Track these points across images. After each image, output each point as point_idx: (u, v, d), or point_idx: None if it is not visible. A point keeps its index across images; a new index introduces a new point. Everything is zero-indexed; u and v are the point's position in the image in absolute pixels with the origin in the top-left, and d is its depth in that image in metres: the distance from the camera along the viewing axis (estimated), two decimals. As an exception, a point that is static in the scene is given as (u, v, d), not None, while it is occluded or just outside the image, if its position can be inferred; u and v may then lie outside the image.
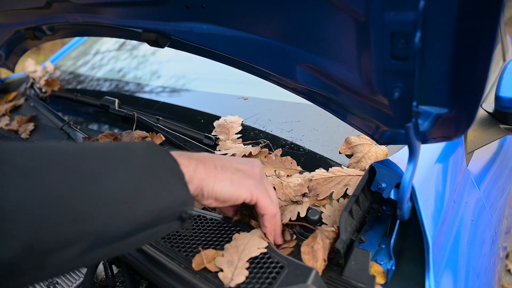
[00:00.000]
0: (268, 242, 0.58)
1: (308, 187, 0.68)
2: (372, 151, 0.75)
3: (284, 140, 0.83)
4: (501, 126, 0.90)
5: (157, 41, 0.84)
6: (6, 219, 0.30)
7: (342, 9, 0.51)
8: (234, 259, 0.54)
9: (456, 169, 0.76)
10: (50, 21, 1.12)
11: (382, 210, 0.68)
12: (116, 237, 0.38)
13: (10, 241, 0.30)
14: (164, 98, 1.10)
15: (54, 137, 1.09)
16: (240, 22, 0.66)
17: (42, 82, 1.47)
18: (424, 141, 0.57)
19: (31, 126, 1.19)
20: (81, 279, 0.67)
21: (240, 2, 0.63)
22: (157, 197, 0.41)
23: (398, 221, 0.63)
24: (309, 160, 0.79)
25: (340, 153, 0.79)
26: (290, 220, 0.63)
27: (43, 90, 1.38)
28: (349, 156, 0.79)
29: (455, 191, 0.71)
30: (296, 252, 0.62)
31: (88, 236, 0.35)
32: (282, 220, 0.63)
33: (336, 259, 0.59)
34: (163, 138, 0.91)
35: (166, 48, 0.86)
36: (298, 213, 0.64)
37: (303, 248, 0.57)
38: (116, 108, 1.03)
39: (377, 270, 0.57)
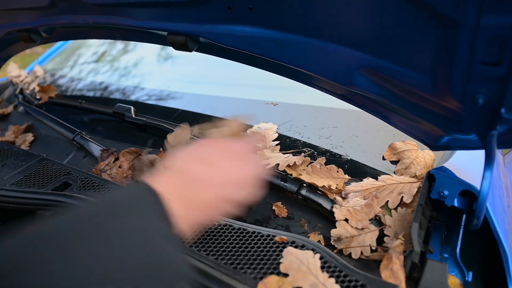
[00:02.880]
0: (338, 259, 0.55)
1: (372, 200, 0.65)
2: (420, 156, 0.73)
3: (324, 147, 0.80)
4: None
5: (186, 45, 0.79)
6: None
7: (424, 11, 0.49)
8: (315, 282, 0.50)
9: (500, 173, 0.75)
10: (51, 23, 1.03)
11: (440, 219, 0.67)
12: None
13: None
14: (182, 105, 1.04)
15: (61, 148, 1.00)
16: (294, 24, 0.62)
17: (34, 87, 1.35)
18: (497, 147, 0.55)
19: (30, 137, 1.10)
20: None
21: (298, 2, 0.59)
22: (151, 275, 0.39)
23: (462, 230, 0.62)
24: (353, 168, 0.76)
25: (384, 159, 0.77)
26: (361, 254, 0.61)
27: (37, 96, 1.27)
28: (393, 163, 0.77)
29: (507, 196, 0.71)
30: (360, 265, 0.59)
31: None
32: (351, 255, 0.61)
33: (409, 271, 0.56)
34: None
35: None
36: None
37: (384, 274, 0.54)
38: (133, 116, 0.96)
39: (454, 283, 0.55)
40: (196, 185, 0.48)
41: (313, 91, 0.75)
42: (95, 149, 0.89)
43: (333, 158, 0.78)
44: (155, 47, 1.46)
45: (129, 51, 1.60)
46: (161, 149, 0.86)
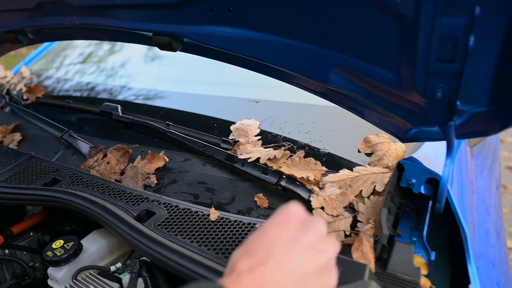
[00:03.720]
0: None
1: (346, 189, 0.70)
2: (392, 148, 0.78)
3: (303, 141, 0.85)
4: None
5: (171, 45, 0.82)
6: None
7: (388, 14, 0.53)
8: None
9: (467, 163, 0.81)
10: (38, 24, 1.05)
11: (409, 206, 0.72)
12: None
13: None
14: (168, 103, 1.07)
15: (49, 147, 1.02)
16: (272, 25, 0.66)
17: (21, 88, 1.37)
18: (456, 137, 0.61)
19: (17, 136, 1.11)
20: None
21: (272, 5, 0.63)
22: None
23: (428, 215, 0.67)
24: (330, 160, 0.81)
25: (359, 151, 0.82)
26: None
27: (24, 97, 1.29)
28: (368, 155, 0.82)
29: (472, 182, 0.76)
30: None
31: None
32: None
33: (379, 253, 0.61)
34: (167, 159, 0.87)
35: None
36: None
37: (355, 255, 0.59)
38: (120, 114, 0.99)
39: (420, 262, 0.60)
40: (268, 270, 0.39)
41: (293, 89, 0.79)
42: (84, 146, 0.92)
43: (311, 152, 0.82)
44: (140, 48, 1.49)
45: (115, 52, 1.63)
46: (149, 151, 0.89)
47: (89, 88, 1.34)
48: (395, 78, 0.59)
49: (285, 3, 0.61)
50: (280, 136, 0.87)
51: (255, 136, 0.85)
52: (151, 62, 1.44)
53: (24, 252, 0.93)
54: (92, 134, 1.02)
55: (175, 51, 0.84)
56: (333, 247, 0.44)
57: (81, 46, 1.72)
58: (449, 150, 0.59)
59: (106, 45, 1.70)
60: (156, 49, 1.22)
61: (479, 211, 0.83)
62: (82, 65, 1.52)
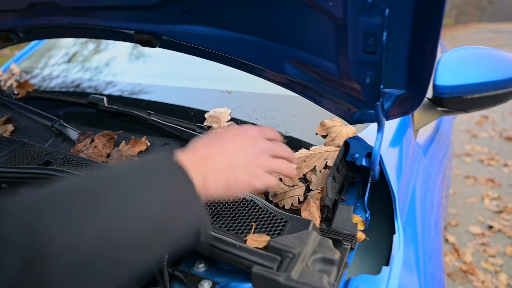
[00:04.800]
0: (269, 205, 0.71)
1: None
2: (343, 131, 0.91)
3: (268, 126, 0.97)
4: (438, 108, 1.12)
5: (150, 42, 0.93)
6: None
7: (325, 15, 0.66)
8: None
9: (408, 143, 0.94)
10: (29, 23, 1.14)
11: (355, 177, 0.84)
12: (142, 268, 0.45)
13: None
14: (149, 96, 1.18)
15: (40, 135, 1.12)
16: (235, 24, 0.78)
17: (12, 83, 1.45)
18: (387, 118, 0.73)
19: (10, 127, 1.20)
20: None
21: (234, 7, 0.75)
22: (176, 223, 0.48)
23: (369, 183, 0.80)
24: (292, 142, 0.93)
25: (316, 134, 0.94)
26: (292, 205, 0.77)
27: (15, 92, 1.37)
28: (324, 137, 0.94)
29: (409, 158, 0.89)
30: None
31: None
32: (285, 206, 0.76)
33: (325, 214, 0.73)
34: (148, 144, 0.98)
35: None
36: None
37: (304, 214, 0.71)
38: (106, 105, 1.09)
39: (358, 220, 0.73)
40: (208, 158, 0.55)
41: (261, 81, 0.91)
42: (73, 134, 1.02)
43: (276, 135, 0.94)
44: (123, 48, 1.59)
45: (100, 51, 1.72)
46: (132, 136, 0.99)
47: (75, 85, 1.43)
48: (336, 68, 0.72)
49: (243, 6, 0.72)
50: (249, 122, 0.98)
51: (226, 122, 0.97)
52: (134, 59, 1.54)
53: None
54: (80, 123, 1.12)
55: (154, 47, 0.95)
56: (264, 143, 0.63)
57: (66, 46, 1.81)
58: (379, 126, 0.71)
59: (91, 45, 1.80)
60: (138, 48, 1.34)
61: (426, 182, 0.97)
62: (68, 64, 1.61)
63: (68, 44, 1.83)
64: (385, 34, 0.59)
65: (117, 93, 1.27)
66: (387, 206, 0.82)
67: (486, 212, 2.89)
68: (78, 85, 1.40)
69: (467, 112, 1.13)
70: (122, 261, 0.42)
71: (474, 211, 2.91)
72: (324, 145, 0.91)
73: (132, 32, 0.96)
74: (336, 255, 0.58)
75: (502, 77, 1.06)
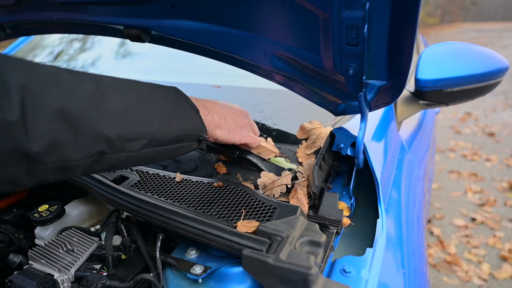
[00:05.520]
0: (258, 193, 0.74)
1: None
2: (323, 132, 0.93)
3: (257, 119, 0.99)
4: (420, 102, 1.16)
5: (140, 37, 0.95)
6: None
7: (309, 10, 0.68)
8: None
9: (391, 134, 0.98)
10: (16, 19, 1.14)
11: (341, 167, 0.87)
12: (161, 142, 0.59)
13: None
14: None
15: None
16: (222, 18, 0.80)
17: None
18: (370, 108, 0.77)
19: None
20: (95, 244, 0.76)
21: (222, 2, 0.77)
22: (186, 122, 0.64)
23: (354, 172, 0.83)
24: (279, 134, 0.96)
25: (297, 138, 0.96)
26: (281, 193, 0.79)
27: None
28: (305, 140, 0.96)
29: (392, 148, 0.93)
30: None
31: (147, 136, 0.56)
32: (274, 195, 0.79)
33: (312, 201, 0.76)
34: None
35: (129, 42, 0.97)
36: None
37: (292, 201, 0.74)
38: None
39: (343, 206, 0.76)
40: (215, 108, 0.75)
41: (249, 76, 0.93)
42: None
43: (264, 127, 0.97)
44: (109, 45, 1.59)
45: (86, 50, 1.72)
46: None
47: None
48: (321, 61, 0.75)
49: (231, 0, 0.75)
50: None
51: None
52: (120, 56, 1.55)
53: (9, 226, 1.02)
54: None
55: (144, 42, 0.96)
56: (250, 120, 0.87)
57: (51, 45, 1.80)
58: (362, 116, 0.75)
59: (76, 43, 1.79)
60: (124, 45, 1.33)
61: (410, 171, 1.00)
62: (54, 63, 1.61)
63: (53, 43, 1.82)
64: (366, 27, 0.62)
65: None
66: (371, 195, 0.86)
67: (469, 205, 2.97)
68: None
69: (447, 105, 1.18)
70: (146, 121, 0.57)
71: (458, 204, 3.00)
72: (306, 148, 0.93)
73: (121, 27, 0.97)
74: (322, 238, 0.60)
75: (480, 71, 1.11)
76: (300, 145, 0.90)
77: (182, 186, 0.79)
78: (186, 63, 1.29)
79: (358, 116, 0.95)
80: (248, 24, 0.78)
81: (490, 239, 2.52)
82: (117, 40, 1.65)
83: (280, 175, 0.82)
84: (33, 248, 0.73)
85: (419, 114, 1.35)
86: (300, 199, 0.73)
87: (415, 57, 2.03)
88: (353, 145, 0.82)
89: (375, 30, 0.63)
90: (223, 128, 0.75)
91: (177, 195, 0.76)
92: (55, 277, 0.68)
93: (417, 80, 1.13)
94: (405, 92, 1.17)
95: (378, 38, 0.64)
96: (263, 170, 0.84)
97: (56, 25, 1.13)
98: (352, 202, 0.76)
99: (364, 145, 0.79)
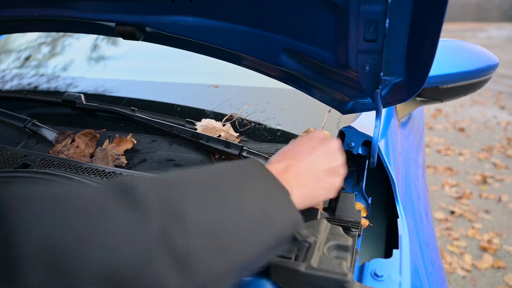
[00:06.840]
0: None
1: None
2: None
3: (259, 119, 0.96)
4: (417, 99, 1.17)
5: (134, 34, 0.89)
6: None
7: (324, 4, 0.66)
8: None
9: (395, 131, 0.97)
10: (-9, 16, 1.05)
11: (350, 166, 0.86)
12: (251, 262, 0.42)
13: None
14: (130, 92, 1.12)
15: (9, 139, 1.03)
16: (228, 14, 0.76)
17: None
18: (384, 105, 0.75)
19: (-29, 130, 1.09)
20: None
21: (228, -3, 0.73)
22: (278, 220, 0.45)
23: (366, 171, 0.81)
24: (283, 134, 0.93)
25: None
26: None
27: (-27, 92, 1.25)
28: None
29: (397, 145, 0.92)
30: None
31: (235, 268, 0.38)
32: None
33: (329, 204, 0.73)
34: (135, 142, 0.93)
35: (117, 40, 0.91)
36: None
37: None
38: (84, 102, 1.02)
39: (360, 207, 0.74)
40: (294, 164, 0.55)
41: (247, 74, 0.89)
42: (50, 134, 0.95)
43: (267, 127, 0.94)
44: (99, 42, 1.50)
45: (65, 46, 1.62)
46: (116, 134, 0.94)
47: (42, 82, 1.33)
48: (333, 57, 0.72)
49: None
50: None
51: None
52: (110, 55, 1.46)
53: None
54: (55, 123, 1.04)
55: (138, 40, 0.90)
56: (342, 157, 0.62)
57: (17, 50, 1.65)
58: (377, 114, 0.73)
59: (44, 48, 1.65)
60: (115, 43, 1.26)
61: (405, 168, 1.00)
62: (19, 70, 1.49)
63: (18, 48, 1.67)
64: (388, 21, 0.60)
65: (92, 91, 1.20)
66: (381, 193, 0.84)
67: (447, 198, 3.07)
68: (45, 83, 1.30)
69: (442, 101, 1.20)
70: (233, 248, 0.39)
71: (436, 198, 3.09)
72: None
73: (113, 24, 0.90)
74: (349, 241, 0.58)
75: (474, 67, 1.13)
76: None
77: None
78: (178, 61, 1.24)
79: (364, 114, 0.95)
80: (256, 20, 0.74)
81: (469, 231, 2.61)
82: (91, 41, 1.54)
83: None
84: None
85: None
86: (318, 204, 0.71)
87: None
88: (364, 143, 0.80)
89: (395, 24, 0.61)
90: (317, 191, 0.57)
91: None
92: None
93: (413, 77, 1.13)
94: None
95: (398, 33, 0.62)
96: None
97: (38, 22, 1.04)
98: (369, 202, 0.75)
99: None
